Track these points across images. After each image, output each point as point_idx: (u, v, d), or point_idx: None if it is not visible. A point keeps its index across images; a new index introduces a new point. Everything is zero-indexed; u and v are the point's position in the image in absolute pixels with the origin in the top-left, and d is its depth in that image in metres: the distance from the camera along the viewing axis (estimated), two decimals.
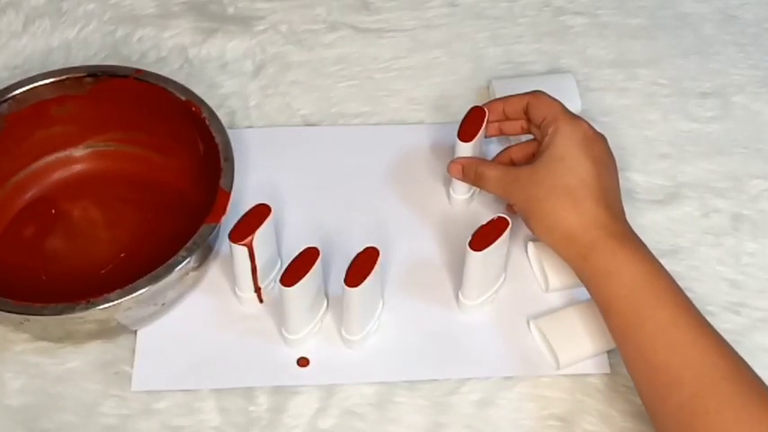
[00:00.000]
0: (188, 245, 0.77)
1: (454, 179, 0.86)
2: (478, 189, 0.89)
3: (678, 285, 0.73)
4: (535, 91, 0.83)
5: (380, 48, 1.00)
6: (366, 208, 0.88)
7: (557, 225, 0.76)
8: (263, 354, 0.81)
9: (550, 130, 0.79)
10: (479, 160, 0.83)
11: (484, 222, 0.78)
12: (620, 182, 0.89)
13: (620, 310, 0.73)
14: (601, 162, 0.77)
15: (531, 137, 0.84)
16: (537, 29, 1.01)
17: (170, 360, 0.80)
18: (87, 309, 0.74)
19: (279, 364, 0.80)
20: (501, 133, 0.86)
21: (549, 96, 0.82)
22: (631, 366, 0.72)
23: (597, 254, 0.74)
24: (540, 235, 0.77)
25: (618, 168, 0.79)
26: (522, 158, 0.84)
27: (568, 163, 0.76)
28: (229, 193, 0.79)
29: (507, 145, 0.87)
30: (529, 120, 0.83)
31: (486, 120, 0.83)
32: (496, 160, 0.85)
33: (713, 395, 0.68)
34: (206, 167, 0.82)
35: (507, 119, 0.85)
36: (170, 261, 0.76)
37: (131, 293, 0.74)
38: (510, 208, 0.85)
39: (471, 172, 0.83)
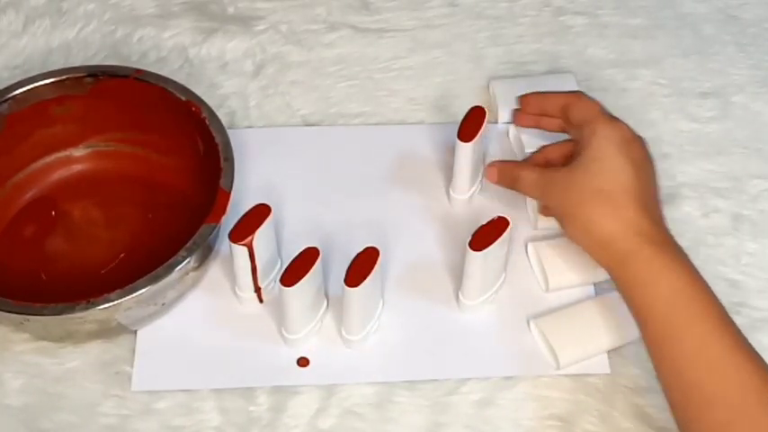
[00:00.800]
0: (188, 245, 0.77)
1: (455, 179, 0.86)
2: (478, 189, 0.89)
3: (716, 297, 0.72)
4: (576, 91, 0.83)
5: (380, 48, 1.00)
6: (366, 208, 0.88)
7: (593, 230, 0.74)
8: (263, 354, 0.80)
9: (588, 132, 0.77)
10: (515, 163, 0.82)
11: (484, 222, 0.78)
12: None
13: (656, 322, 0.71)
14: (640, 165, 0.76)
15: (567, 136, 0.83)
16: (537, 29, 1.01)
17: (170, 360, 0.80)
18: (87, 309, 0.74)
19: (279, 364, 0.80)
20: (538, 126, 0.86)
21: (589, 97, 0.81)
22: (665, 380, 0.71)
23: (635, 261, 0.72)
24: (574, 239, 0.76)
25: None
26: (558, 159, 0.83)
27: (607, 165, 0.75)
28: (229, 193, 0.79)
29: (543, 145, 0.85)
30: (566, 119, 0.82)
31: (486, 120, 0.83)
32: (531, 160, 0.84)
33: (748, 422, 0.66)
34: (206, 167, 0.82)
35: (545, 115, 0.85)
36: (170, 261, 0.76)
37: (131, 293, 0.74)
38: (546, 210, 0.84)
39: (507, 175, 0.82)
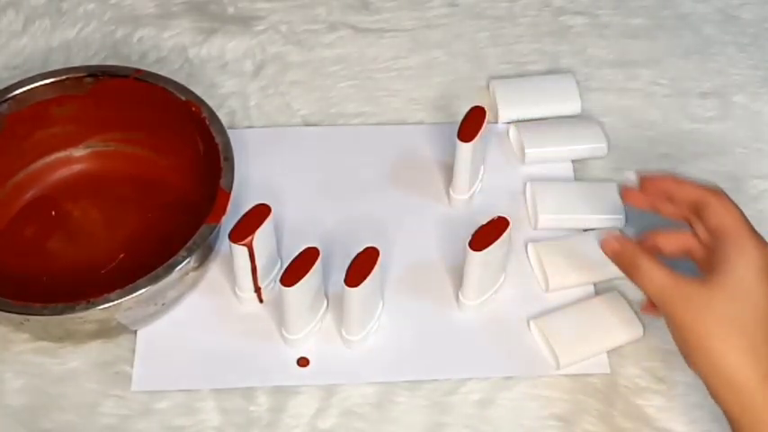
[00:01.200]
0: (188, 245, 0.77)
1: (455, 179, 0.86)
2: (478, 189, 0.89)
3: None
4: (716, 189, 0.74)
5: (380, 48, 1.00)
6: (366, 208, 0.88)
7: (723, 368, 0.66)
8: (263, 354, 0.80)
9: (731, 247, 0.69)
10: (641, 250, 0.73)
11: (484, 222, 0.78)
12: (621, 182, 0.89)
13: None
14: None
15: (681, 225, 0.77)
16: (537, 29, 1.01)
17: (170, 360, 0.80)
18: (87, 309, 0.74)
19: (279, 364, 0.80)
20: (654, 210, 0.78)
21: (729, 199, 0.73)
22: None
23: None
24: (697, 370, 0.69)
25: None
26: (673, 251, 0.76)
27: (751, 296, 0.67)
28: (229, 193, 0.79)
29: (654, 230, 0.78)
30: (697, 215, 0.74)
31: (486, 120, 0.83)
32: (672, 238, 0.76)
33: None
34: (206, 167, 0.82)
35: (669, 199, 0.76)
36: (170, 261, 0.76)
37: (131, 293, 0.74)
38: (650, 308, 0.77)
39: (626, 258, 0.73)
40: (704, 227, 0.73)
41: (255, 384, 0.79)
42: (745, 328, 0.67)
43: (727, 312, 0.67)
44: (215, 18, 1.01)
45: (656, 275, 0.71)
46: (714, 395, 0.68)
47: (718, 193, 0.74)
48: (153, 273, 0.75)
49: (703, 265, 0.73)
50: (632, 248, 0.73)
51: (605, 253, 0.75)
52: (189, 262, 0.77)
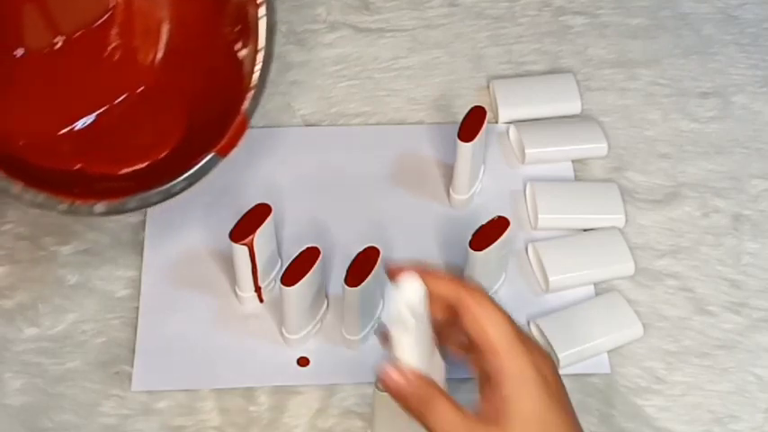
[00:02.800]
0: (188, 174, 0.72)
1: (455, 179, 0.86)
2: (478, 189, 0.89)
3: None
4: (473, 286, 0.64)
5: (380, 48, 1.00)
6: (366, 208, 0.88)
7: None
8: (263, 354, 0.81)
9: (496, 370, 0.61)
10: (433, 389, 0.62)
11: (484, 222, 0.78)
12: (620, 182, 0.90)
13: None
14: (571, 411, 0.64)
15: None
16: (537, 29, 1.01)
17: (170, 360, 0.80)
18: (68, 210, 0.69)
19: (279, 364, 0.80)
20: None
21: (494, 304, 0.63)
22: None
23: None
24: None
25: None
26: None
27: (536, 425, 0.61)
28: (248, 121, 0.74)
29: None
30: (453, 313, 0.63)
31: (486, 120, 0.83)
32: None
33: None
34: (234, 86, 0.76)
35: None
36: (166, 187, 0.72)
37: (118, 210, 0.71)
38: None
39: (415, 401, 0.62)
40: (465, 335, 0.63)
41: (255, 384, 0.79)
42: None
43: None
44: None
45: (447, 416, 0.61)
46: None
47: (475, 293, 0.63)
48: (144, 194, 0.71)
49: (481, 386, 0.64)
50: (420, 382, 0.62)
51: (385, 388, 0.63)
52: (183, 189, 0.73)
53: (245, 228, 0.77)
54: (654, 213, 0.89)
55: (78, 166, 0.76)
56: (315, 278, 0.76)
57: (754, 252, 0.87)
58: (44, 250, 0.85)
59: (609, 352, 0.81)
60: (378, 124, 0.94)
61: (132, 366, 0.80)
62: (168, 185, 0.73)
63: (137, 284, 0.83)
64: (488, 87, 0.96)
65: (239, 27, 0.75)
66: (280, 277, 0.75)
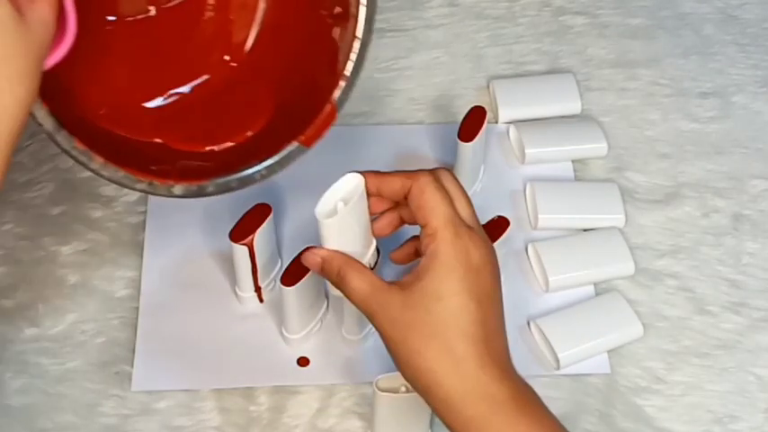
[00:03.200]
0: (271, 163, 0.69)
1: None
2: (478, 189, 0.89)
3: None
4: (419, 173, 0.66)
5: (380, 48, 1.00)
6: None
7: (434, 387, 0.62)
8: (263, 354, 0.81)
9: (430, 249, 0.63)
10: (346, 259, 0.66)
11: (484, 222, 0.78)
12: (620, 182, 0.89)
13: None
14: (486, 300, 0.63)
15: None
16: (537, 29, 1.01)
17: (170, 360, 0.80)
18: (147, 189, 0.67)
19: (279, 364, 0.80)
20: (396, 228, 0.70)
21: (439, 189, 0.65)
22: None
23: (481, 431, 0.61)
24: (416, 391, 0.64)
25: (498, 276, 0.65)
26: (404, 259, 0.71)
27: (448, 306, 0.62)
28: (337, 112, 0.70)
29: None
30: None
31: (486, 120, 0.83)
32: (401, 250, 0.72)
33: None
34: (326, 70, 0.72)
35: (393, 207, 0.69)
36: (246, 173, 0.69)
37: (196, 193, 0.68)
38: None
39: (334, 271, 0.66)
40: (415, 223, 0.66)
41: (255, 384, 0.79)
42: (447, 345, 0.61)
43: (426, 328, 0.62)
44: None
45: (359, 287, 0.65)
46: (435, 411, 0.63)
47: (420, 179, 0.65)
48: (224, 179, 0.68)
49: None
50: (337, 260, 0.66)
51: (308, 267, 0.68)
52: (264, 178, 0.70)
53: (245, 228, 0.77)
54: (654, 213, 0.89)
55: (159, 140, 0.73)
56: (315, 278, 0.76)
57: (754, 252, 0.87)
58: (44, 250, 0.85)
59: (609, 352, 0.81)
60: (378, 124, 0.94)
61: (132, 366, 0.80)
62: (249, 172, 0.69)
63: (137, 284, 0.83)
64: (488, 87, 0.96)
65: (339, 11, 0.71)
66: (280, 277, 0.75)
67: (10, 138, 0.55)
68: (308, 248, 0.67)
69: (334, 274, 0.66)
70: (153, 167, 0.67)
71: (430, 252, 0.63)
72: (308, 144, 0.69)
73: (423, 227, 0.65)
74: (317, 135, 0.69)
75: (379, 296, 0.64)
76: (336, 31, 0.72)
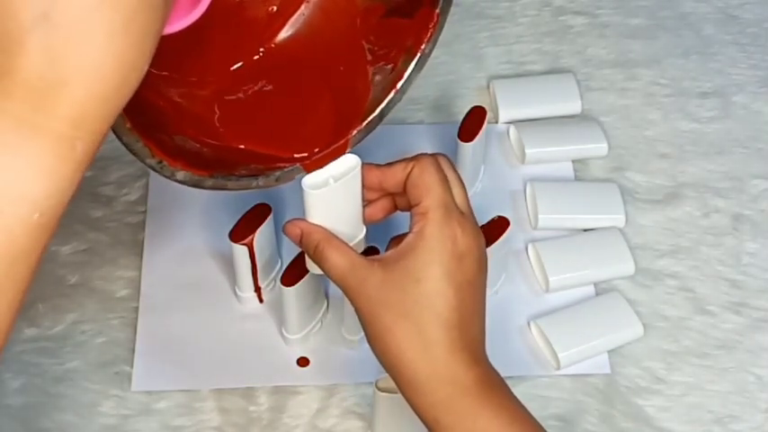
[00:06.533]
0: (270, 176, 0.66)
1: None
2: (478, 189, 0.89)
3: None
4: (421, 155, 0.66)
5: None
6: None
7: (401, 366, 0.62)
8: (263, 354, 0.81)
9: (418, 227, 0.63)
10: (327, 235, 0.65)
11: (484, 222, 0.78)
12: (620, 182, 0.89)
13: None
14: (466, 287, 0.63)
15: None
16: (537, 29, 1.01)
17: (170, 360, 0.80)
18: (156, 167, 0.62)
19: (279, 364, 0.80)
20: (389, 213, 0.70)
21: (438, 171, 0.64)
22: None
23: (450, 418, 0.61)
24: (384, 368, 0.64)
25: (484, 274, 0.65)
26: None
27: (425, 289, 0.61)
28: (347, 148, 0.68)
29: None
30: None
31: (486, 120, 0.83)
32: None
33: None
34: None
35: (388, 193, 0.68)
36: (244, 180, 0.65)
37: (196, 183, 0.64)
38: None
39: (312, 245, 0.65)
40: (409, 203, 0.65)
41: (255, 384, 0.79)
42: (418, 327, 0.61)
43: (401, 307, 0.62)
44: None
45: (337, 262, 0.64)
46: (401, 392, 0.63)
47: (423, 161, 0.65)
48: (222, 179, 0.64)
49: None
50: (316, 234, 0.65)
51: (288, 237, 0.67)
52: (259, 188, 0.66)
53: (245, 228, 0.77)
54: (654, 213, 0.89)
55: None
56: (315, 278, 0.76)
57: (754, 252, 0.87)
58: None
59: (609, 352, 0.81)
60: None
61: (132, 366, 0.80)
62: (247, 179, 0.66)
63: (137, 284, 0.83)
64: (488, 87, 0.96)
65: (389, 67, 0.71)
66: (280, 277, 0.75)
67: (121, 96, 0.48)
68: (290, 220, 0.66)
69: (312, 247, 0.65)
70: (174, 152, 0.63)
71: (417, 230, 0.63)
72: (308, 169, 0.67)
73: (415, 205, 0.64)
74: (320, 164, 0.67)
75: (358, 273, 0.63)
76: (377, 78, 0.71)
